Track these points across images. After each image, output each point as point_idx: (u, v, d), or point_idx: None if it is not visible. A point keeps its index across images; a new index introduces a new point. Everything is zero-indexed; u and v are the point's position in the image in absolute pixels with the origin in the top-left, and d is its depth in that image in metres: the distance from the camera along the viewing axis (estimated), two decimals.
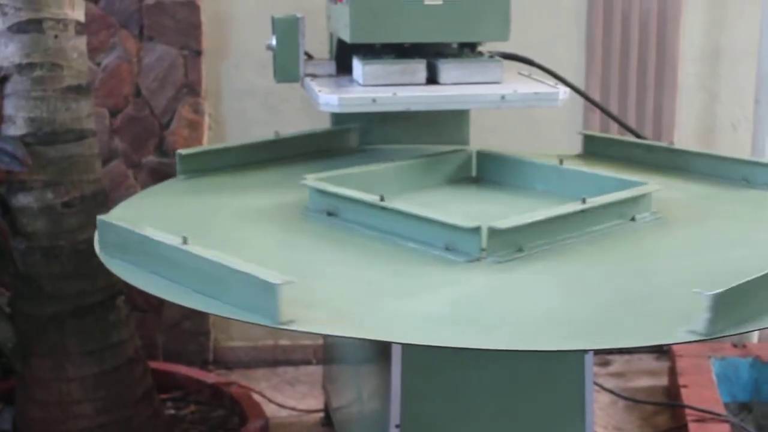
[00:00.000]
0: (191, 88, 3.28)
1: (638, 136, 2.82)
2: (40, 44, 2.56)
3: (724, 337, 1.38)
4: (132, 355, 2.76)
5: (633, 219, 1.90)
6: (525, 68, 2.64)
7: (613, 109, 3.32)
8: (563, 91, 2.28)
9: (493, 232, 1.69)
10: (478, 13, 2.35)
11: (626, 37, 3.34)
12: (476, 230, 1.68)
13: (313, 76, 2.55)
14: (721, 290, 1.35)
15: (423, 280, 1.64)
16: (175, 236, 1.66)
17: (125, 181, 3.31)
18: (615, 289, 1.60)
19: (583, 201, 1.82)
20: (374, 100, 2.20)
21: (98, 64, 3.27)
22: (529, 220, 1.74)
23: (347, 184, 1.98)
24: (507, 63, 2.59)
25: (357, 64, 2.40)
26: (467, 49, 2.46)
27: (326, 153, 2.53)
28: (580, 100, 3.20)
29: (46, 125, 2.58)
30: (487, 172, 2.31)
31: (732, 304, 1.36)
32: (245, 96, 3.36)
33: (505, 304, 1.54)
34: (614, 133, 3.39)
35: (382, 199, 1.82)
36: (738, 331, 1.39)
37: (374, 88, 2.29)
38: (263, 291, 1.44)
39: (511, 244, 1.71)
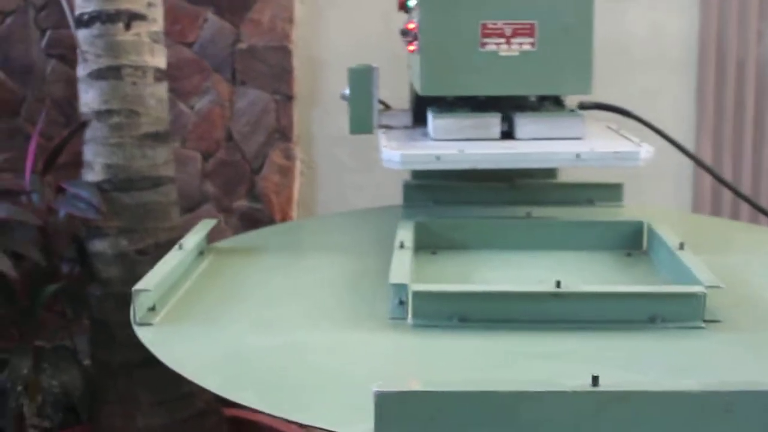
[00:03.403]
0: (283, 133, 3.23)
1: (751, 203, 2.57)
2: (118, 91, 2.55)
3: None
4: (203, 407, 2.71)
5: (652, 321, 1.65)
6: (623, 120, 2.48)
7: (727, 166, 3.10)
8: (646, 150, 2.10)
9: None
10: (556, 65, 2.20)
11: (741, 88, 3.12)
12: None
13: (388, 127, 2.45)
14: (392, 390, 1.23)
15: None
16: None
17: (216, 226, 3.27)
18: None
19: (558, 284, 1.66)
20: (438, 158, 2.08)
21: (191, 108, 3.25)
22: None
23: None
24: (604, 114, 2.44)
25: (429, 117, 2.29)
26: (548, 102, 2.31)
27: None
28: None
29: (122, 172, 2.57)
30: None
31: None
32: (337, 142, 3.29)
33: None
34: (726, 190, 3.17)
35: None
36: None
37: (442, 143, 2.17)
38: None
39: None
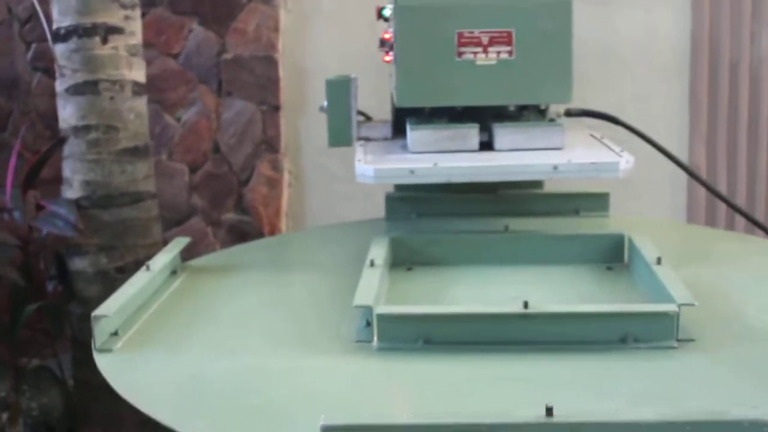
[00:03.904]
0: (270, 144, 3.19)
1: (742, 213, 2.48)
2: (95, 106, 2.52)
3: None
4: None
5: (624, 341, 1.60)
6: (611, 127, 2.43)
7: (721, 171, 3.03)
8: (626, 160, 2.05)
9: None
10: (535, 74, 2.14)
11: (735, 91, 3.05)
12: None
13: (367, 139, 2.40)
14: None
15: None
16: None
17: (204, 239, 3.24)
18: None
19: (525, 305, 1.60)
20: (412, 172, 2.03)
21: (178, 120, 3.22)
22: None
23: None
24: (591, 121, 2.39)
25: (407, 129, 2.24)
26: (528, 111, 2.25)
27: None
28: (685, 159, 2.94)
29: (100, 188, 2.53)
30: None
31: None
32: (325, 152, 3.21)
33: None
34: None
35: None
36: None
37: (417, 156, 2.13)
38: None
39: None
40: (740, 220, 3.07)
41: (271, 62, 3.15)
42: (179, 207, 3.20)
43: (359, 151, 2.23)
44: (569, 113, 2.40)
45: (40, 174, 2.73)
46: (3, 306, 2.60)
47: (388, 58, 2.28)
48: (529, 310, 1.61)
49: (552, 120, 2.23)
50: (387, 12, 2.27)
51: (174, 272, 2.07)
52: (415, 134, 2.17)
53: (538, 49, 2.14)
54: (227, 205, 3.25)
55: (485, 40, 2.15)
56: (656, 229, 2.39)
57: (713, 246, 2.26)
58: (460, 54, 2.15)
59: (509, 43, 2.15)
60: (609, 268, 2.05)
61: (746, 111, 3.06)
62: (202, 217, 3.26)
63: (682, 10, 3.09)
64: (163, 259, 2.01)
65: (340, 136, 2.41)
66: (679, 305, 1.61)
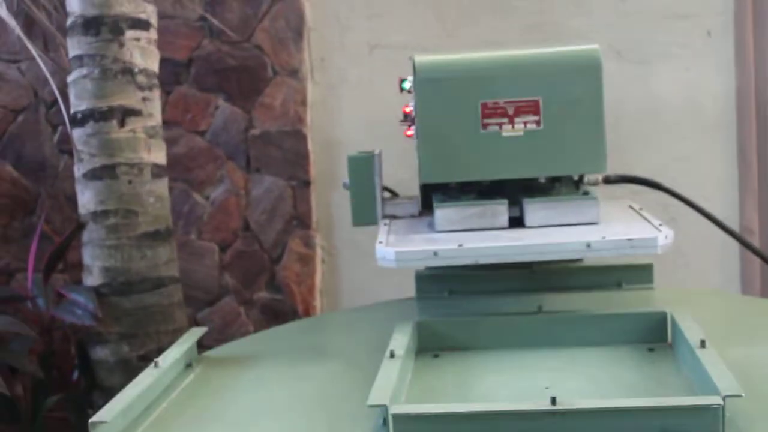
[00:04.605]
0: (301, 221, 3.10)
1: None
2: (113, 190, 2.45)
3: None
4: None
5: None
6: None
7: None
8: (665, 235, 1.91)
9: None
10: (565, 144, 2.03)
11: None
12: None
13: (393, 217, 2.29)
14: None
15: None
16: None
17: (237, 319, 3.15)
18: None
19: (553, 401, 1.45)
20: (436, 254, 1.91)
21: (206, 198, 3.14)
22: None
23: None
24: (634, 186, 2.28)
25: (434, 207, 2.12)
26: (561, 182, 2.12)
27: None
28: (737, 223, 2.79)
29: (120, 275, 2.45)
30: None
31: None
32: (359, 227, 3.14)
33: None
34: None
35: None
36: None
37: (441, 236, 2.01)
38: None
39: None
40: None
41: (299, 136, 3.07)
42: (210, 287, 3.11)
43: (382, 231, 2.12)
44: (608, 180, 2.28)
45: (62, 259, 2.67)
46: (23, 398, 2.52)
47: (410, 133, 2.18)
48: (557, 407, 1.47)
49: (586, 192, 2.10)
50: (407, 84, 2.17)
51: (189, 365, 1.97)
52: (441, 212, 2.06)
53: (568, 118, 2.03)
54: (259, 283, 3.15)
55: (511, 110, 2.05)
56: (704, 302, 2.24)
57: (766, 321, 2.10)
58: (485, 126, 2.04)
59: (536, 113, 2.04)
60: (651, 350, 1.90)
61: None
62: (234, 296, 3.17)
63: (726, 66, 2.95)
64: (174, 354, 1.91)
65: (364, 215, 2.32)
66: (724, 397, 1.46)
